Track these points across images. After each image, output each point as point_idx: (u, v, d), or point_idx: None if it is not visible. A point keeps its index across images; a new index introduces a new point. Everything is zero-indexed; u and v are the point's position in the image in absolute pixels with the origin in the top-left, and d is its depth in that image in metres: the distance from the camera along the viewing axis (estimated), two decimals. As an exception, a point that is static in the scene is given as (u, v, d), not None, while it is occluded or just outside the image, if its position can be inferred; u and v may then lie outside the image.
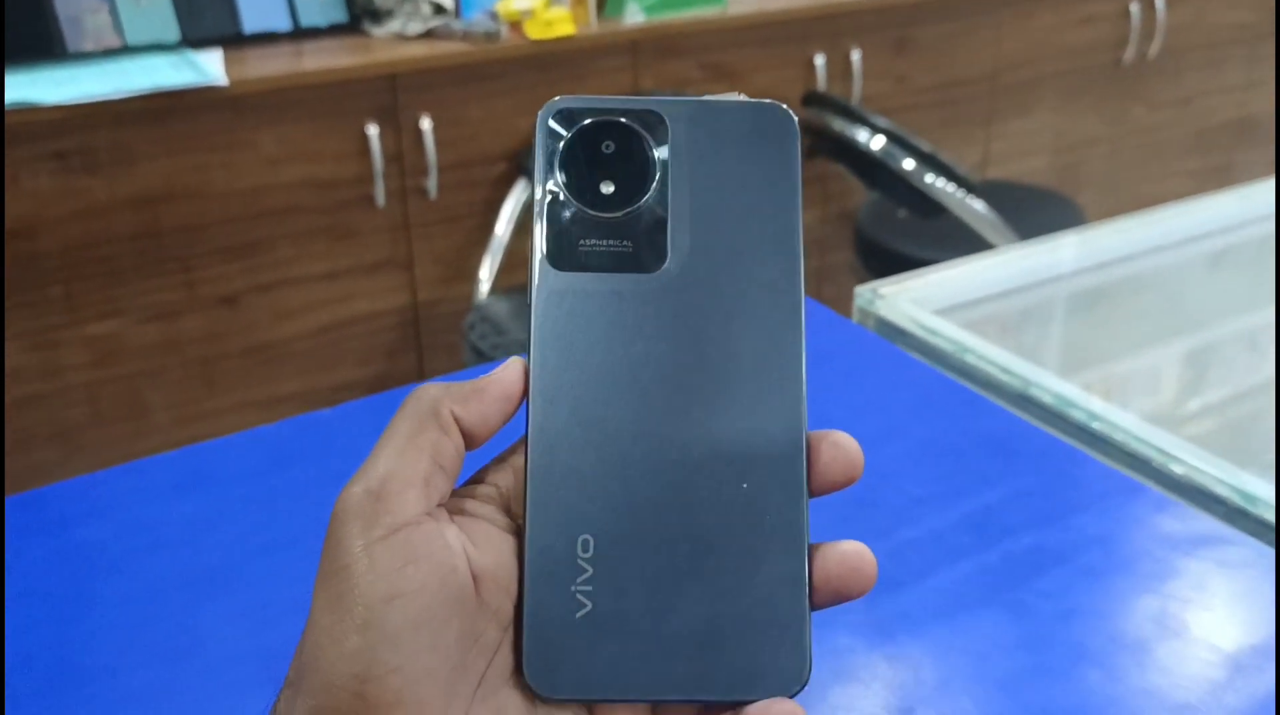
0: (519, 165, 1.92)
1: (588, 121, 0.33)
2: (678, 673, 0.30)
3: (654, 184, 0.32)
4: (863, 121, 1.97)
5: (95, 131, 1.62)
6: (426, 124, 1.83)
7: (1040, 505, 0.65)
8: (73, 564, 0.59)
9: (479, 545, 0.30)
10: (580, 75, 1.94)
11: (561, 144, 0.33)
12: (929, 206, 1.95)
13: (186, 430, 1.83)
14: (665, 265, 0.32)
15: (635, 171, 0.32)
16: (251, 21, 1.84)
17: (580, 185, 0.32)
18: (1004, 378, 0.76)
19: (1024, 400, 0.75)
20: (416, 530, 0.29)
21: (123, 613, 0.56)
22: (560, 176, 0.32)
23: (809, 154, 2.12)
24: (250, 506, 0.65)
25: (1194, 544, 0.62)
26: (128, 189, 1.67)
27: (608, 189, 0.32)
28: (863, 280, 0.89)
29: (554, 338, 0.32)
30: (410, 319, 1.97)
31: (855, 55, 2.14)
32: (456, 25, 1.87)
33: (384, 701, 0.27)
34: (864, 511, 0.65)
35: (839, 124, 1.99)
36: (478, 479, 0.33)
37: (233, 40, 1.82)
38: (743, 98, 0.33)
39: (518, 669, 0.30)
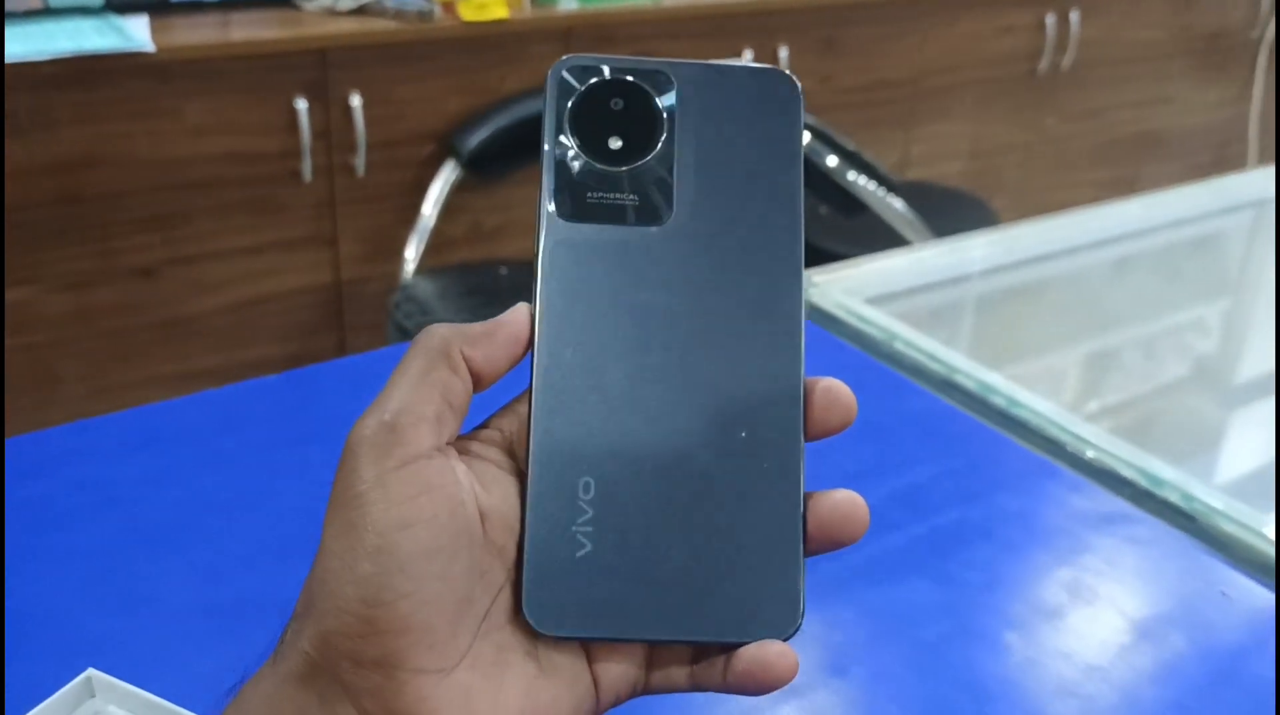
0: (448, 146, 1.92)
1: (598, 78, 0.34)
2: (674, 614, 0.31)
3: (661, 140, 0.33)
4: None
5: (15, 94, 1.58)
6: (356, 101, 1.82)
7: (964, 484, 0.68)
8: (21, 519, 0.59)
9: (485, 484, 0.31)
10: (513, 59, 1.94)
11: (572, 99, 0.33)
12: (851, 204, 2.00)
13: (97, 403, 1.79)
14: (670, 219, 0.33)
15: (643, 128, 0.33)
16: (180, -12, 1.81)
17: (589, 139, 0.33)
18: (930, 365, 0.80)
19: (948, 386, 0.79)
20: (428, 463, 0.30)
21: (72, 566, 0.57)
22: (570, 129, 0.33)
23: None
24: (200, 467, 0.65)
25: (1104, 522, 0.66)
26: (47, 154, 1.63)
27: (616, 144, 0.33)
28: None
29: (560, 286, 0.32)
30: (333, 297, 1.95)
31: (783, 52, 2.18)
32: (389, 3, 1.86)
33: (392, 627, 0.28)
34: (798, 486, 0.68)
35: (766, 119, 2.02)
36: (484, 424, 0.33)
37: (158, 7, 1.79)
38: (749, 62, 0.34)
39: (517, 606, 0.30)
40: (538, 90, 1.83)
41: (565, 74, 0.34)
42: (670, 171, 0.33)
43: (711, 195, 0.33)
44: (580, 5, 1.98)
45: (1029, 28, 2.51)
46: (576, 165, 0.33)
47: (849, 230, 2.04)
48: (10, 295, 1.68)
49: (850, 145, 2.00)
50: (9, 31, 1.63)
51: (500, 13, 1.88)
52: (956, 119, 2.51)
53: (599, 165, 0.33)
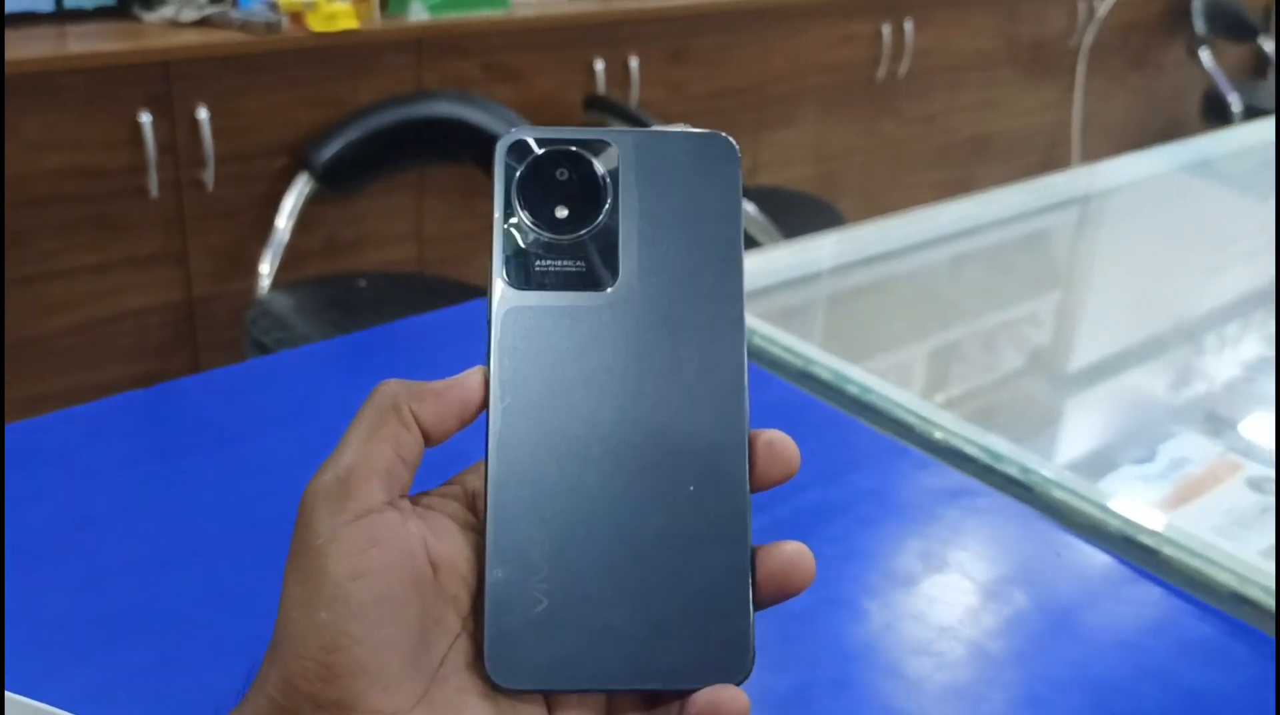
0: (300, 159, 1.90)
1: (543, 151, 0.35)
2: (629, 664, 0.32)
3: (605, 208, 0.35)
4: (642, 125, 2.05)
5: None
6: (203, 114, 1.78)
7: (822, 466, 0.72)
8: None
9: (437, 536, 0.33)
10: (364, 71, 1.93)
11: (519, 172, 0.35)
12: (704, 209, 2.05)
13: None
14: (616, 283, 0.35)
15: (587, 196, 0.35)
16: (11, 1, 1.75)
17: (537, 209, 0.35)
18: (787, 357, 0.84)
19: (805, 377, 0.83)
20: (379, 517, 0.32)
21: (-59, 588, 0.56)
22: (518, 201, 0.35)
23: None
24: (66, 484, 0.64)
25: (951, 495, 0.71)
26: None
27: (562, 213, 0.35)
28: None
29: (512, 352, 0.34)
30: (184, 315, 1.91)
31: (634, 62, 2.23)
32: (235, 14, 1.83)
33: (348, 670, 0.30)
34: (667, 476, 0.71)
35: (619, 127, 2.06)
36: (450, 481, 0.35)
37: (-11, 19, 1.73)
38: (688, 128, 0.37)
39: (479, 660, 0.32)
40: (391, 102, 1.84)
41: (511, 147, 0.35)
42: (615, 237, 0.35)
43: (655, 258, 0.35)
44: (431, 15, 1.98)
45: (867, 37, 2.61)
46: (525, 235, 0.35)
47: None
48: None
49: (702, 152, 2.05)
50: None
51: (350, 23, 1.87)
52: (801, 125, 2.59)
53: (546, 234, 0.35)
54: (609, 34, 2.19)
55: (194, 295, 1.90)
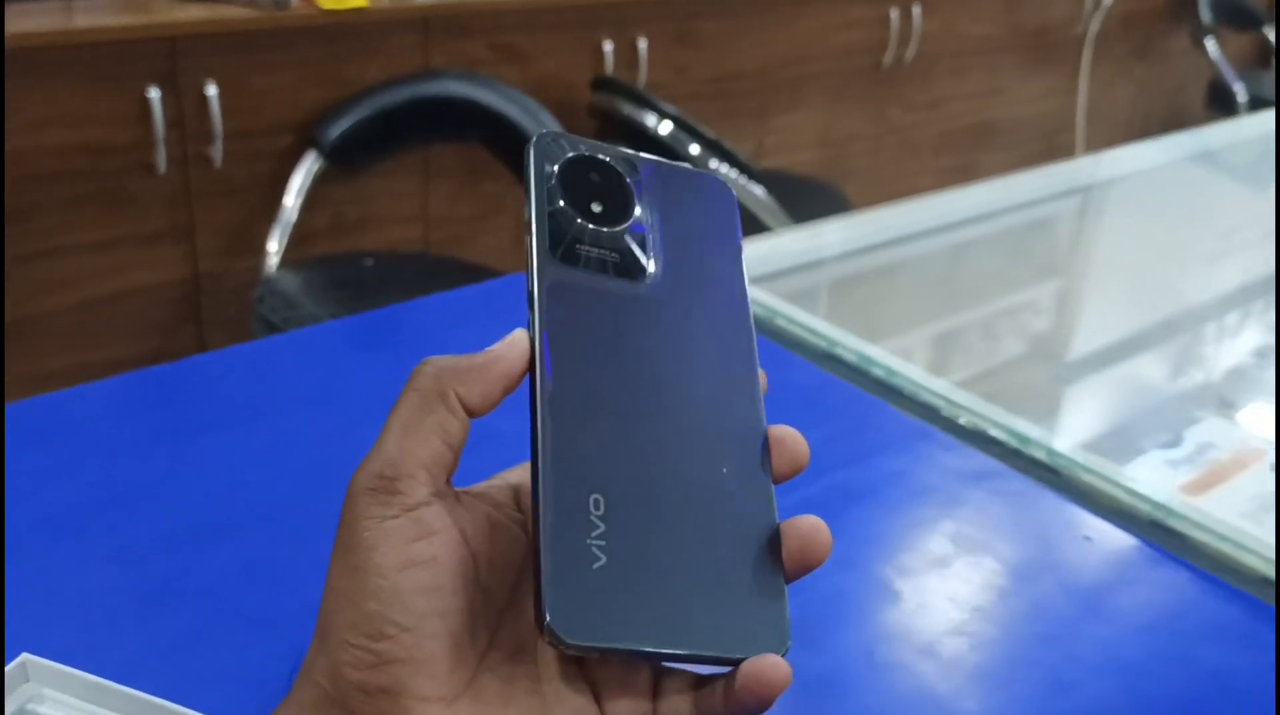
0: (308, 137, 1.89)
1: (578, 153, 0.37)
2: (683, 629, 0.32)
3: (635, 212, 0.37)
4: (651, 107, 2.05)
5: None
6: (212, 90, 1.77)
7: (848, 448, 0.72)
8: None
9: (478, 528, 0.33)
10: (371, 50, 1.93)
11: (560, 163, 0.37)
12: (711, 192, 2.05)
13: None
14: (647, 278, 0.36)
15: (619, 200, 0.37)
16: (18, -27, 1.73)
17: (575, 200, 0.37)
18: (811, 339, 0.84)
19: (829, 359, 0.83)
20: (428, 510, 0.32)
21: (-24, 559, 0.56)
22: (560, 188, 0.37)
23: (597, 138, 2.18)
24: (95, 458, 0.64)
25: (977, 478, 0.71)
26: (-122, 145, 1.55)
27: (597, 208, 0.37)
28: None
29: (560, 319, 0.35)
30: (190, 292, 1.90)
31: (642, 43, 2.22)
32: (243, -10, 1.82)
33: (396, 657, 0.30)
34: (694, 456, 0.71)
35: (628, 109, 2.06)
36: (493, 477, 0.36)
37: (-5, -8, 1.71)
38: (686, 166, 0.40)
39: (538, 620, 0.31)
40: (399, 81, 1.83)
41: (549, 144, 0.37)
42: (645, 239, 0.37)
43: (677, 266, 0.37)
44: (439, -5, 1.97)
45: (873, 22, 2.61)
46: (568, 218, 0.36)
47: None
48: None
49: (711, 134, 2.05)
50: None
51: (359, 2, 1.86)
52: (807, 109, 2.59)
53: (587, 223, 0.36)
54: (617, 15, 2.18)
55: (200, 272, 1.90)
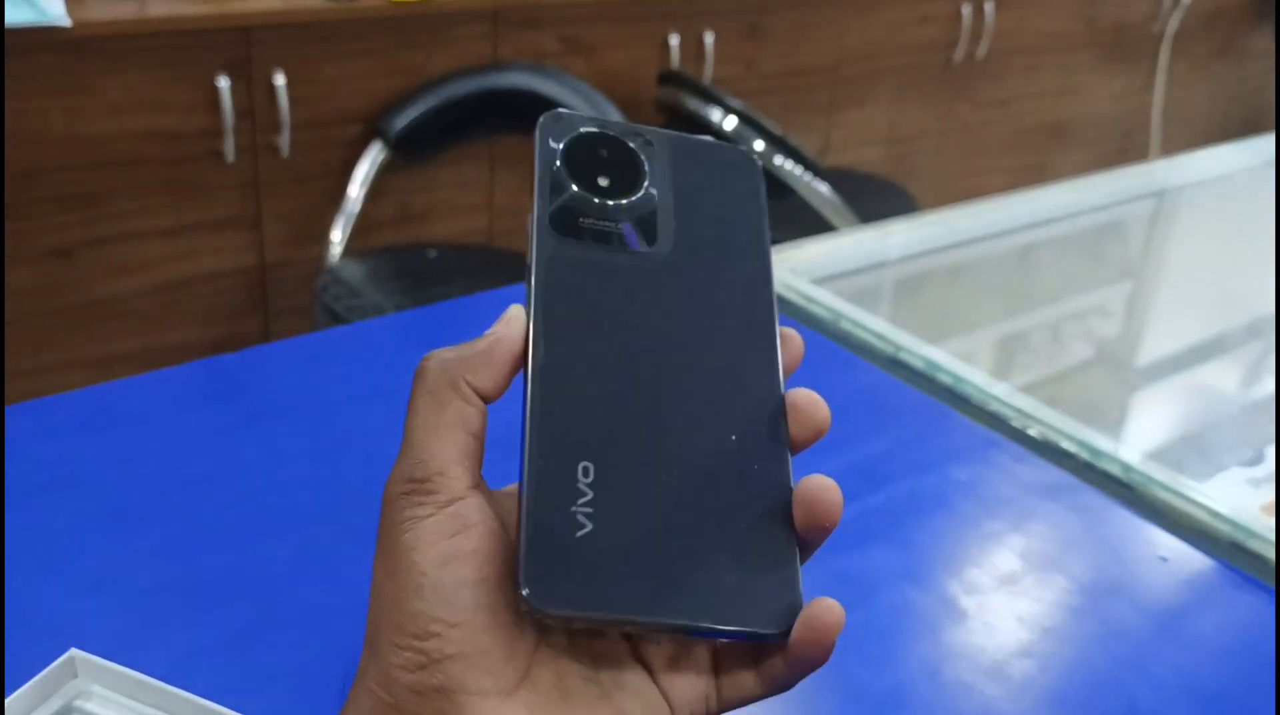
0: (374, 127, 1.90)
1: (588, 129, 0.37)
2: (679, 598, 0.30)
3: (643, 187, 0.36)
4: (716, 102, 2.03)
5: (-77, 67, 1.52)
6: (280, 80, 1.79)
7: (915, 456, 0.71)
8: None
9: (510, 523, 0.32)
10: (439, 41, 1.93)
11: (566, 140, 0.36)
12: (777, 187, 2.03)
13: (12, 387, 1.74)
14: (653, 248, 0.35)
15: (627, 175, 0.36)
16: (95, -38, 1.76)
17: (581, 174, 0.36)
18: (877, 343, 0.82)
19: (895, 364, 0.81)
20: (465, 504, 0.31)
21: (36, 547, 0.56)
22: (563, 163, 0.36)
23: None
24: (159, 445, 0.64)
25: (1049, 491, 0.69)
26: (-43, 130, 1.58)
27: (604, 182, 0.36)
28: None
29: (556, 291, 0.34)
30: (257, 280, 1.92)
31: (708, 38, 2.20)
32: (314, -19, 1.83)
33: (446, 655, 0.29)
34: (756, 461, 0.69)
35: (693, 103, 2.04)
36: None
37: (74, -20, 1.74)
38: (710, 139, 0.39)
39: (514, 584, 0.30)
40: (465, 72, 1.83)
41: (558, 120, 0.37)
42: (653, 212, 0.36)
43: (691, 233, 0.36)
44: (507, -13, 1.97)
45: (946, 17, 2.56)
46: (569, 191, 0.36)
47: (775, 213, 2.06)
48: (-80, 276, 1.62)
49: (776, 130, 2.03)
50: (-84, 2, 1.57)
51: (427, -7, 1.87)
52: (875, 105, 2.55)
53: (590, 196, 0.36)
54: (685, 8, 2.17)
55: (266, 260, 1.91)
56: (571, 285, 0.34)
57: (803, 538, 0.32)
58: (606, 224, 0.35)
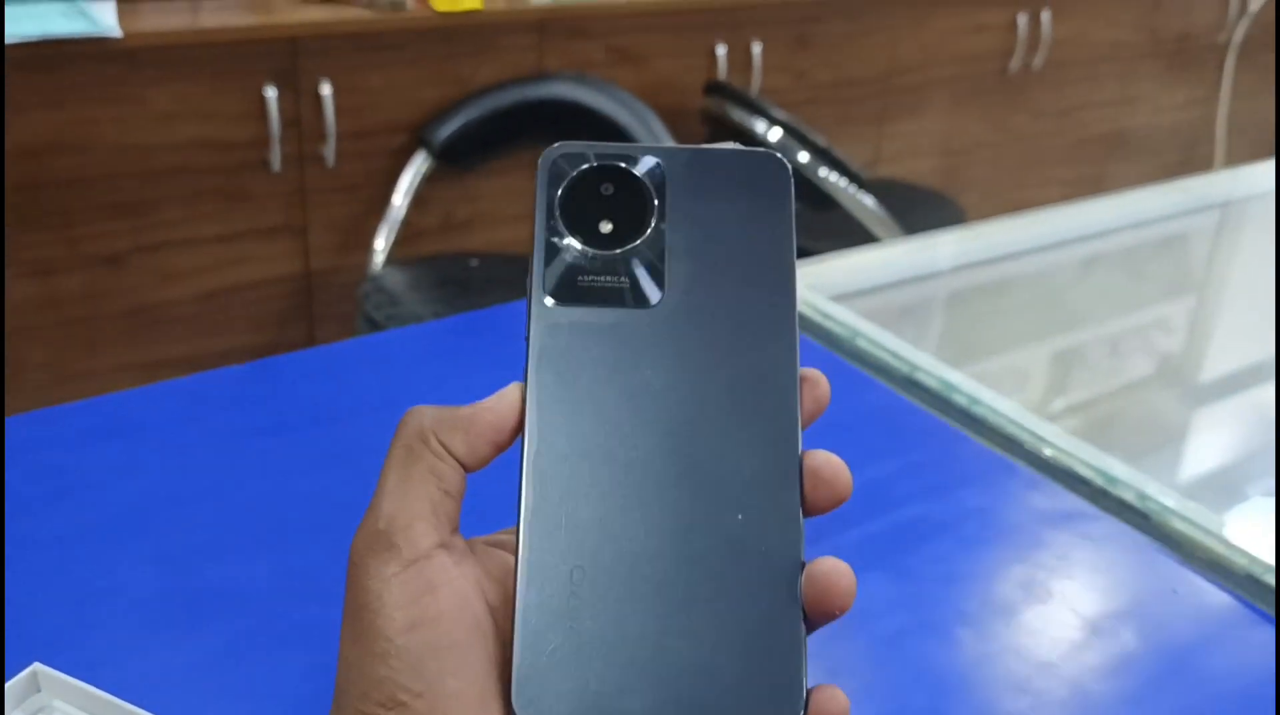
0: (419, 137, 1.91)
1: (588, 164, 0.34)
2: (671, 702, 0.29)
3: (651, 224, 0.33)
4: (761, 113, 2.01)
5: (-22, 77, 1.56)
6: (326, 90, 1.81)
7: (924, 480, 0.69)
8: (-24, 508, 0.58)
9: (493, 577, 0.31)
10: (485, 51, 1.94)
11: (563, 184, 0.34)
12: (821, 199, 2.01)
13: (60, 390, 1.78)
14: (662, 300, 0.33)
15: (633, 212, 0.34)
16: (149, -26, 1.79)
17: (581, 224, 0.33)
18: (893, 362, 0.80)
19: (910, 384, 0.80)
20: (429, 563, 0.30)
21: (27, 557, 0.56)
22: (561, 215, 0.34)
23: (707, 143, 2.15)
24: (159, 457, 0.65)
25: (1061, 519, 0.67)
26: (11, 139, 1.61)
27: (607, 228, 0.33)
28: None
29: (552, 371, 0.32)
30: (303, 287, 1.94)
31: (756, 48, 2.19)
32: (362, -8, 1.85)
33: None
34: (760, 481, 0.68)
35: (738, 114, 2.03)
36: (505, 531, 0.34)
37: (128, -9, 1.78)
38: (737, 146, 0.35)
39: (506, 698, 0.29)
40: (509, 82, 1.83)
41: (556, 160, 0.34)
42: (661, 254, 0.33)
43: (703, 276, 0.33)
44: (554, -3, 1.98)
45: (1001, 27, 2.52)
46: (568, 249, 0.33)
47: (819, 226, 2.04)
48: (-27, 281, 1.66)
49: (822, 141, 2.01)
50: (-26, 14, 1.61)
51: (474, 4, 1.88)
52: (928, 116, 2.52)
53: (591, 249, 0.33)
54: (731, 18, 2.16)
55: (312, 268, 1.94)
56: (568, 360, 0.32)
57: (809, 620, 0.31)
58: (608, 281, 0.33)
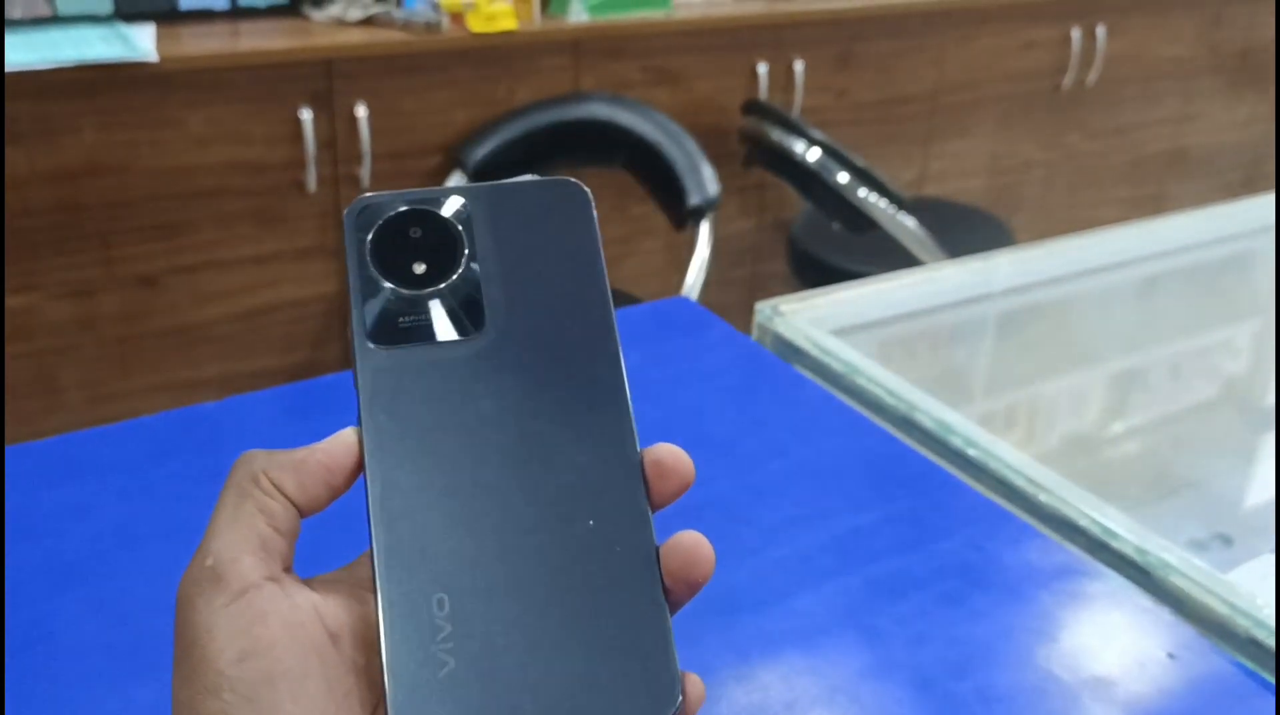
0: (454, 158, 1.91)
1: (395, 211, 0.35)
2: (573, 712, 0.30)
3: (462, 260, 0.34)
4: (800, 133, 1.98)
5: (19, 101, 1.59)
6: (362, 112, 1.81)
7: (907, 531, 0.66)
8: (-76, 550, 0.58)
9: (332, 604, 0.30)
10: (521, 72, 1.93)
11: (372, 232, 0.34)
12: (861, 221, 1.97)
13: (98, 410, 1.80)
14: (483, 331, 0.33)
15: (443, 251, 0.34)
16: (188, -1, 1.82)
17: (393, 268, 0.34)
18: (890, 401, 0.77)
19: (907, 423, 0.76)
20: (259, 593, 0.29)
21: (-28, 601, 0.56)
22: (373, 261, 0.34)
23: (745, 163, 2.13)
24: (122, 498, 0.64)
25: (1053, 575, 0.63)
26: (49, 162, 1.64)
27: (420, 268, 0.34)
28: (794, 291, 0.90)
29: (384, 411, 0.32)
30: (337, 307, 1.95)
31: (798, 66, 2.16)
32: (398, 14, 1.85)
33: None
34: (737, 528, 0.66)
35: (776, 134, 2.00)
36: (341, 568, 0.33)
37: (167, 16, 1.80)
38: (534, 178, 0.36)
39: None
40: (544, 103, 1.82)
41: (363, 211, 0.35)
42: (476, 287, 0.34)
43: (520, 302, 0.34)
44: (591, 16, 1.97)
45: (1053, 43, 2.47)
46: (384, 293, 0.34)
47: (862, 248, 2.01)
48: (11, 302, 1.69)
49: (860, 162, 1.97)
50: (15, 39, 1.64)
51: (509, 24, 1.87)
52: (977, 135, 2.47)
53: (406, 290, 0.34)
54: (773, 36, 2.13)
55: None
56: (398, 398, 0.33)
57: (674, 597, 0.31)
58: (426, 318, 0.34)
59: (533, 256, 0.34)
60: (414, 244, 0.34)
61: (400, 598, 0.30)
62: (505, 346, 0.33)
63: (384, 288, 0.34)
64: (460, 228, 0.35)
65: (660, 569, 0.31)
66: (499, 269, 0.34)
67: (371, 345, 0.33)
